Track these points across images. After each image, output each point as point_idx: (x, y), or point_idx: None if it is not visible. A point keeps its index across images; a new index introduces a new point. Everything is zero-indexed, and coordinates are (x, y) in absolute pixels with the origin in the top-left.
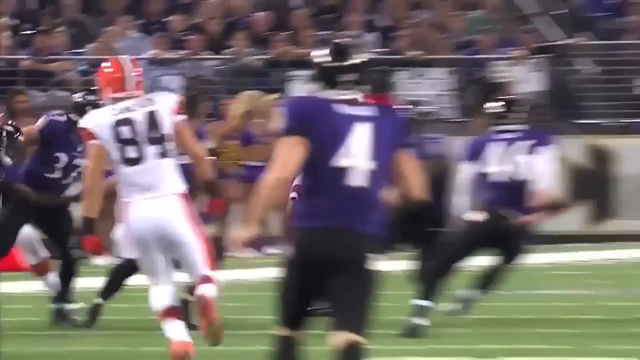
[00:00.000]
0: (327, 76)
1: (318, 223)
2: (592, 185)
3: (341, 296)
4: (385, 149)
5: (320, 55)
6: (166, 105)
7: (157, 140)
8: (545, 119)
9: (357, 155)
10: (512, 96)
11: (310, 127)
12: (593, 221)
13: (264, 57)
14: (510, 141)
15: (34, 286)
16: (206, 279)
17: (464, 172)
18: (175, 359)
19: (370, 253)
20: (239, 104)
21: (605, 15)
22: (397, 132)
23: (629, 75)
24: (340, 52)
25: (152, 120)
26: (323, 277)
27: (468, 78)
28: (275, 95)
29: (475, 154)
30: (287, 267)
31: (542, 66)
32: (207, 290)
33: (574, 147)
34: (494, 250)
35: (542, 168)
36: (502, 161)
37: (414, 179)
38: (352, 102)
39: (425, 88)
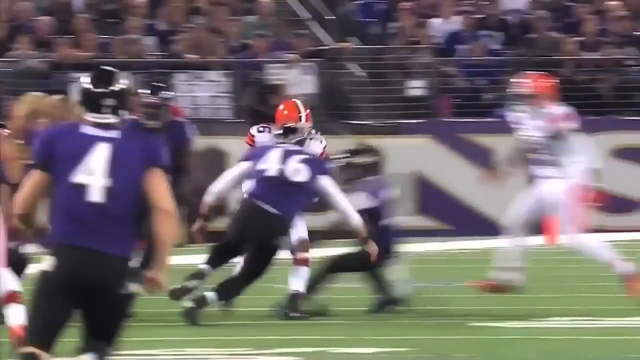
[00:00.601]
0: (89, 100)
1: (63, 240)
2: None
3: (87, 316)
4: (128, 169)
5: (85, 80)
6: None
7: None
8: (318, 120)
9: (94, 173)
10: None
11: (52, 153)
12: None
13: (47, 59)
14: (288, 151)
15: None
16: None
17: (238, 169)
18: None
19: (113, 271)
20: (23, 105)
21: (374, 20)
22: (144, 154)
23: (396, 78)
24: (102, 79)
25: None
26: (70, 293)
27: (243, 80)
28: (59, 97)
29: (253, 156)
30: (39, 281)
31: (314, 69)
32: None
33: (345, 147)
34: (247, 246)
35: (342, 202)
36: (278, 162)
37: (159, 200)
38: (104, 126)
39: (203, 90)
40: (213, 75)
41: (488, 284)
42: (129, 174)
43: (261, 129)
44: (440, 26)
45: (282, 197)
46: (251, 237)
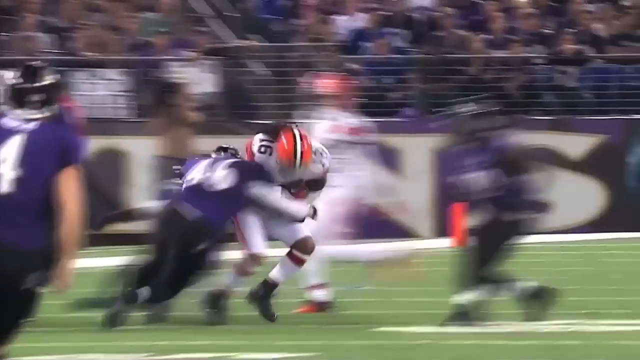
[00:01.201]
0: (17, 96)
1: None
2: None
3: None
4: (39, 161)
5: (12, 76)
6: None
7: None
8: (219, 119)
9: (5, 164)
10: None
11: None
12: None
13: None
14: (217, 159)
15: None
16: None
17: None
18: None
19: (19, 263)
20: None
21: (277, 18)
22: (59, 151)
23: (299, 76)
24: (30, 75)
25: None
26: None
27: (143, 79)
28: None
29: (186, 170)
30: None
31: (216, 67)
32: None
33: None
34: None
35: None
36: (204, 171)
37: (67, 201)
38: (26, 120)
39: (101, 89)
40: (112, 73)
41: (308, 308)
42: (40, 166)
43: (262, 149)
44: (344, 23)
45: (203, 204)
46: (167, 242)
